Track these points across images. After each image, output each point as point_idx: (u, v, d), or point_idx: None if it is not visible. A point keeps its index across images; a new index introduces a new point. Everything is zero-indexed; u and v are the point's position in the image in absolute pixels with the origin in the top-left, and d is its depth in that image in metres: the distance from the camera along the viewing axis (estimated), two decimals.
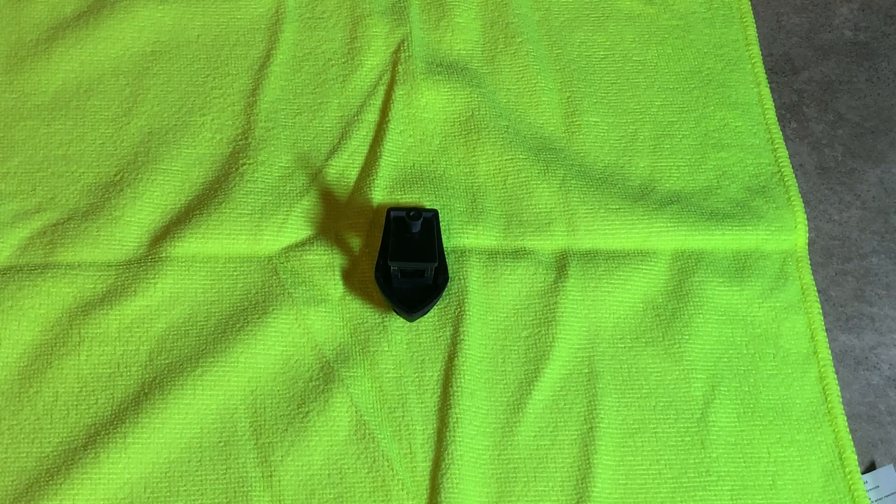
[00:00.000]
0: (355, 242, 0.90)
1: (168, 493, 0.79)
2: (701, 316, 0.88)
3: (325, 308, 0.86)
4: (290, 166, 0.94)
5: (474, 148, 0.95)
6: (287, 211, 0.91)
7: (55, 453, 0.79)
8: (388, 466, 0.80)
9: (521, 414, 0.83)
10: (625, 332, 0.88)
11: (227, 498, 0.79)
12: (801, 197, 0.95)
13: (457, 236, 0.90)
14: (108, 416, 0.81)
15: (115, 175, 0.92)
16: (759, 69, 1.04)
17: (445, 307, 0.87)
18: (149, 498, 0.78)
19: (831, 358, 0.88)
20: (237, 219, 0.89)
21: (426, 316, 0.87)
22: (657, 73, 1.02)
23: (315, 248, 0.89)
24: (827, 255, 0.95)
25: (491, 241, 0.91)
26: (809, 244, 0.94)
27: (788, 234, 0.93)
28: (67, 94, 0.97)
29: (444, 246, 0.89)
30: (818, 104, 1.04)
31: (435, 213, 0.87)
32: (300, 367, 0.84)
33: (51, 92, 0.97)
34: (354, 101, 0.98)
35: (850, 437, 0.84)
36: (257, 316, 0.85)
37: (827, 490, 0.82)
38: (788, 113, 1.03)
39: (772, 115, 1.01)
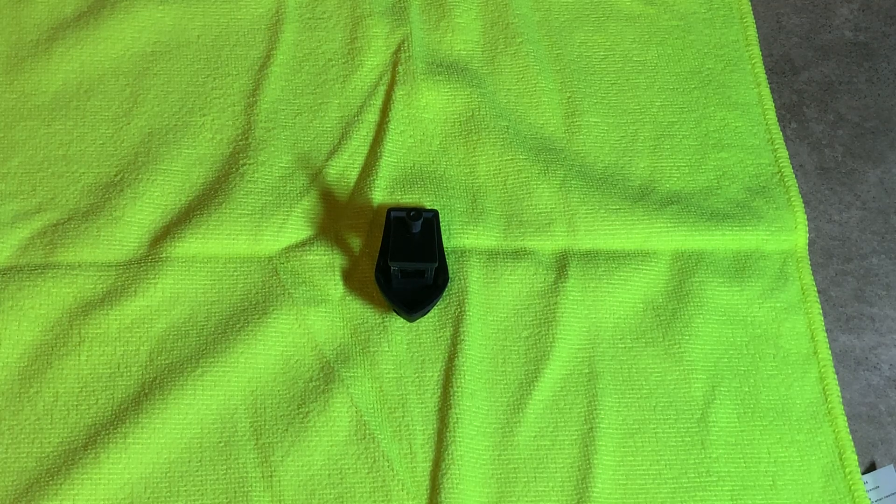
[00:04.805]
0: (355, 242, 0.90)
1: (168, 494, 0.79)
2: (701, 316, 0.88)
3: (326, 308, 0.86)
4: (290, 166, 0.94)
5: (474, 148, 0.95)
6: (287, 211, 0.91)
7: (55, 453, 0.79)
8: (388, 466, 0.80)
9: (521, 414, 0.83)
10: (625, 332, 0.88)
11: (227, 498, 0.79)
12: (802, 197, 0.95)
13: (457, 236, 0.90)
14: (108, 416, 0.81)
15: (116, 175, 0.92)
16: (760, 69, 1.04)
17: (445, 307, 0.87)
18: (149, 498, 0.78)
19: (831, 358, 0.88)
20: (237, 219, 0.89)
21: (426, 316, 0.87)
22: (657, 73, 1.02)
23: (315, 248, 0.89)
24: (827, 255, 0.95)
25: (491, 242, 0.91)
26: (809, 244, 0.94)
27: (788, 234, 0.93)
28: (67, 94, 0.97)
29: (445, 246, 0.89)
30: (818, 104, 1.04)
31: (435, 213, 0.87)
32: (300, 368, 0.84)
33: (51, 92, 0.97)
34: (355, 101, 0.98)
35: (851, 437, 0.84)
36: (257, 316, 0.85)
37: (827, 490, 0.82)
38: (788, 113, 1.03)
39: (772, 115, 1.01)
